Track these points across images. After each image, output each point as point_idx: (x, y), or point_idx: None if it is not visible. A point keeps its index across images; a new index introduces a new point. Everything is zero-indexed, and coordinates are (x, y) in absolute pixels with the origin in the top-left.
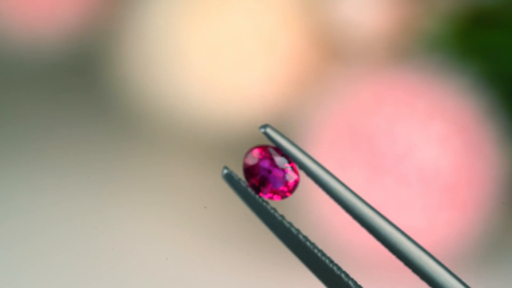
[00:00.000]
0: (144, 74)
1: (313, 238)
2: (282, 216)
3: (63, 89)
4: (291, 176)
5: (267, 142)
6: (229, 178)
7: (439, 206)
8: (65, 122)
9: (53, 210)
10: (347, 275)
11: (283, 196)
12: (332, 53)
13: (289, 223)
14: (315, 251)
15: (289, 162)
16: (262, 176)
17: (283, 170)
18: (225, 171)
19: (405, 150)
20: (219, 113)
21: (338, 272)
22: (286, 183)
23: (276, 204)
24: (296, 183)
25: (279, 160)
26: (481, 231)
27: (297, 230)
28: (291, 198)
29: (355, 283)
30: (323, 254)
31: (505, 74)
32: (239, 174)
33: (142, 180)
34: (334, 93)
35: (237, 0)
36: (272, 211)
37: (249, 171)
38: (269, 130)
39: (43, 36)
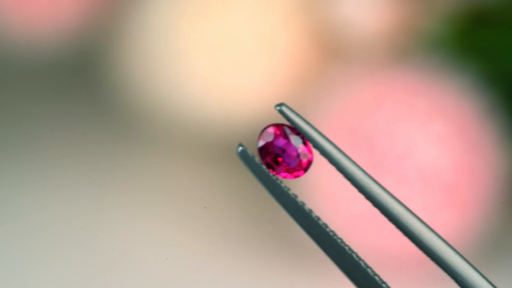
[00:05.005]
0: (144, 74)
1: (323, 216)
2: (295, 194)
3: (63, 89)
4: (305, 155)
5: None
6: (244, 156)
7: (439, 206)
8: (66, 122)
9: (53, 210)
10: (358, 256)
11: (297, 175)
12: (332, 53)
13: (302, 202)
14: (327, 230)
15: (304, 141)
16: (276, 154)
17: (298, 149)
18: (240, 148)
19: (405, 150)
20: (219, 113)
21: (350, 252)
22: (300, 162)
23: (289, 182)
24: (310, 162)
25: (294, 139)
26: (481, 231)
27: (310, 209)
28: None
29: (366, 264)
30: (335, 234)
31: (505, 74)
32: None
33: (142, 180)
34: (334, 93)
35: (237, 0)
36: (286, 189)
37: (263, 149)
38: (284, 108)
39: (43, 36)
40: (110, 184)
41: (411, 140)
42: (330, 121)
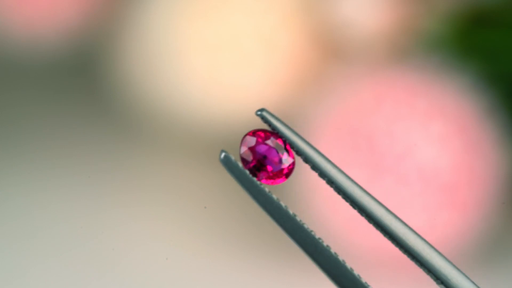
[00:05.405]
0: (144, 74)
1: (308, 222)
2: (279, 199)
3: (63, 89)
4: (287, 161)
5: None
6: (227, 162)
7: (439, 206)
8: (66, 122)
9: (53, 210)
10: (343, 260)
11: (279, 180)
12: (332, 53)
13: (286, 206)
14: (312, 234)
15: (285, 147)
16: (258, 160)
17: (279, 155)
18: (223, 154)
19: (405, 150)
20: (219, 113)
21: (335, 256)
22: (281, 167)
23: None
24: (291, 167)
25: (276, 145)
26: (481, 231)
27: (294, 214)
28: (287, 182)
29: (351, 268)
30: (320, 238)
31: (505, 74)
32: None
33: (142, 180)
34: (334, 93)
35: (237, 0)
36: (269, 194)
37: (245, 155)
38: (265, 114)
39: (43, 36)
40: (110, 184)
41: (411, 140)
42: (330, 121)
